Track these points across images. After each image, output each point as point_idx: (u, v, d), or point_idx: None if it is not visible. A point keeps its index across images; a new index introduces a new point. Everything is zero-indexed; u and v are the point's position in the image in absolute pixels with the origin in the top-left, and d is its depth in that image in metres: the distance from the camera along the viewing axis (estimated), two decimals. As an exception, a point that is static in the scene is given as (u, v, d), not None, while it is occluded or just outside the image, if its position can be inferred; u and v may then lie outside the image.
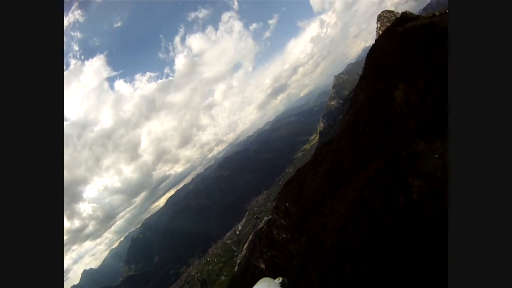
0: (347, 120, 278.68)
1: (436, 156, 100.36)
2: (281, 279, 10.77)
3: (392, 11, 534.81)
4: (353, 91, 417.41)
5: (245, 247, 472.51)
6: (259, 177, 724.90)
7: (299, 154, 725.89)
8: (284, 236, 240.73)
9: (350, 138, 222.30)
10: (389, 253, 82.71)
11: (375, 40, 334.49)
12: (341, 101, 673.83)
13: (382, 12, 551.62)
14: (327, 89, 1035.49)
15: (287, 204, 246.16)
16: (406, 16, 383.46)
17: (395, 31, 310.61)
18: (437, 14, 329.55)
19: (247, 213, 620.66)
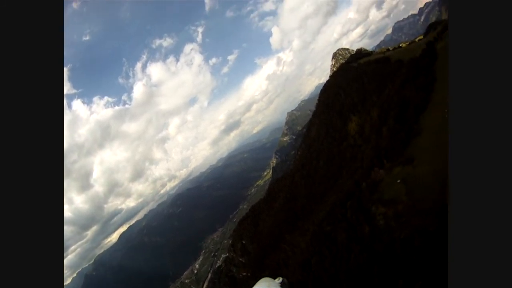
0: (300, 155, 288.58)
1: (399, 181, 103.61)
2: (281, 279, 10.31)
3: (347, 49, 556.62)
4: (305, 127, 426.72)
5: (205, 286, 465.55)
6: (213, 214, 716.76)
7: (252, 190, 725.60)
8: (244, 274, 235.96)
9: (303, 173, 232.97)
10: (361, 283, 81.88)
11: (329, 76, 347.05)
12: (294, 137, 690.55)
13: (338, 50, 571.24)
14: (279, 125, 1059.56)
15: (244, 242, 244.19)
16: (360, 53, 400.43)
17: (349, 67, 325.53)
18: (390, 49, 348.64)
19: (203, 251, 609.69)
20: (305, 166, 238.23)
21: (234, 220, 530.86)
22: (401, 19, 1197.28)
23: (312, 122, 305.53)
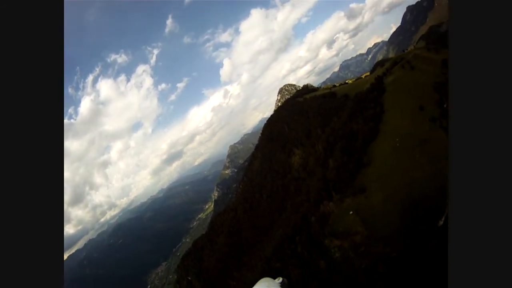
0: (242, 188, 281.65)
1: (351, 213, 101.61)
2: (281, 279, 10.21)
3: (294, 85, 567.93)
4: (247, 160, 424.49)
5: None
6: (156, 247, 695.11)
7: (194, 224, 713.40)
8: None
9: (246, 206, 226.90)
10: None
11: (274, 111, 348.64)
12: (235, 170, 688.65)
13: (284, 85, 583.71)
14: (221, 158, 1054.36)
15: (190, 278, 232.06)
16: (307, 88, 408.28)
17: (295, 102, 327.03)
18: (337, 85, 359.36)
19: (149, 286, 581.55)
20: (247, 200, 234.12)
21: (178, 254, 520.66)
22: (349, 58, 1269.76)
23: (254, 155, 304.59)
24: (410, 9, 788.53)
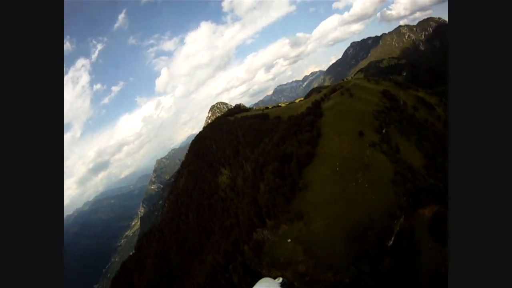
0: (168, 207, 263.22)
1: (289, 241, 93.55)
2: (281, 279, 10.61)
3: (226, 104, 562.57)
4: (174, 176, 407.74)
5: None
6: (85, 266, 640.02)
7: (122, 242, 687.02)
8: None
9: (173, 227, 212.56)
10: None
11: (203, 128, 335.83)
12: (161, 186, 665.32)
13: (217, 103, 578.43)
14: (148, 172, 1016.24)
15: None
16: (239, 108, 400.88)
17: (225, 120, 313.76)
18: (269, 107, 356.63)
19: None
20: (174, 220, 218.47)
21: (108, 275, 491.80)
22: (284, 83, 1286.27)
23: (180, 172, 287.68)
24: (353, 44, 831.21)
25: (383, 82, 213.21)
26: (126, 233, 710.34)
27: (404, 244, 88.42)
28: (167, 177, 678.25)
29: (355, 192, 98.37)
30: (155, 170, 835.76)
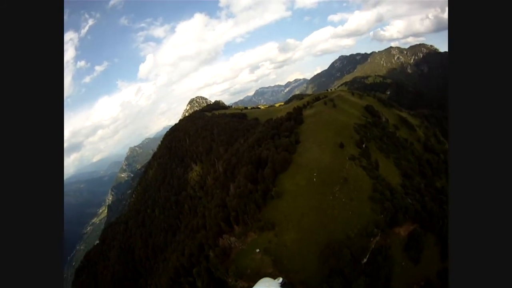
0: (135, 199, 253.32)
1: (258, 251, 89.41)
2: (281, 279, 12.13)
3: (206, 99, 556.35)
4: (144, 167, 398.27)
5: None
6: None
7: (88, 229, 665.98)
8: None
9: (138, 220, 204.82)
10: None
11: (179, 120, 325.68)
12: (132, 175, 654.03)
13: (196, 97, 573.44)
14: (120, 159, 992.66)
15: None
16: (218, 104, 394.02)
17: (202, 115, 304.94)
18: (249, 108, 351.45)
19: None
20: (139, 213, 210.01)
21: (73, 264, 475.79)
22: (266, 86, 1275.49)
23: (151, 164, 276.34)
24: (341, 58, 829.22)
25: (367, 98, 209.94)
26: (93, 220, 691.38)
27: (379, 262, 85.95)
28: (138, 167, 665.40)
29: (331, 206, 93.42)
30: (127, 158, 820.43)
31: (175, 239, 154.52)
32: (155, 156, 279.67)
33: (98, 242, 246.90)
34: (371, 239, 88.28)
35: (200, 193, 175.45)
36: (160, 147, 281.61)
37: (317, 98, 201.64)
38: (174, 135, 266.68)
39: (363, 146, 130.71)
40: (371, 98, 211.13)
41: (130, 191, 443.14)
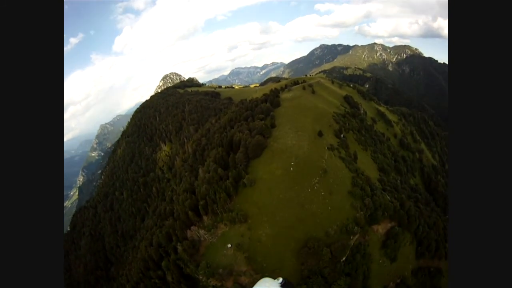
0: (103, 180, 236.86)
1: (230, 246, 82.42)
2: (281, 279, 10.14)
3: (180, 75, 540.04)
4: (114, 145, 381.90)
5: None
6: None
7: None
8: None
9: (106, 204, 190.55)
10: None
11: (151, 96, 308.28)
12: (102, 154, 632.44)
13: (170, 73, 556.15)
14: (90, 137, 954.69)
15: None
16: (191, 81, 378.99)
17: (174, 91, 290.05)
18: (223, 87, 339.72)
19: None
20: (108, 196, 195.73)
21: None
22: (243, 66, 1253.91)
23: (119, 143, 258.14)
24: (322, 46, 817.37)
25: (347, 88, 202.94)
26: (65, 204, 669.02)
27: (357, 260, 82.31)
28: (109, 145, 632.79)
29: (310, 200, 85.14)
30: (97, 136, 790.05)
31: (144, 225, 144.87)
32: (124, 134, 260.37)
33: (68, 229, 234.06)
34: (351, 237, 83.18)
35: (169, 175, 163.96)
36: (129, 124, 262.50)
37: (295, 82, 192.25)
38: (144, 112, 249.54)
39: (342, 136, 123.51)
40: (350, 89, 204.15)
41: (100, 171, 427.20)
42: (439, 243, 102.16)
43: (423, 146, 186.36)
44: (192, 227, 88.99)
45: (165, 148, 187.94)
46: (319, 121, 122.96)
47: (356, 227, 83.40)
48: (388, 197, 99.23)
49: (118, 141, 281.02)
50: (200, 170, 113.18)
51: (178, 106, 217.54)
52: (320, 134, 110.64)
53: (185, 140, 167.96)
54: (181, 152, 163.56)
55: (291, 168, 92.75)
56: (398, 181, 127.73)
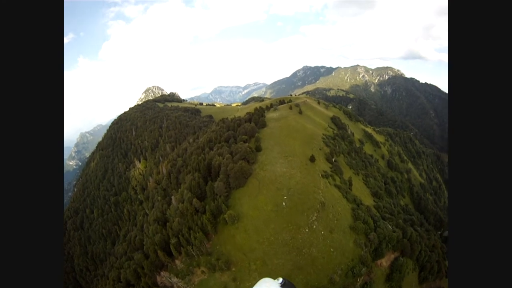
0: (75, 195, 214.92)
1: None
2: (281, 279, 9.03)
3: (162, 89, 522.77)
4: (90, 157, 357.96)
5: None
6: None
7: None
8: None
9: (76, 222, 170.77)
10: None
11: (129, 108, 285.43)
12: (80, 163, 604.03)
13: (153, 86, 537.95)
14: (70, 144, 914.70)
15: None
16: (172, 96, 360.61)
17: (153, 105, 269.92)
18: (204, 104, 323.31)
19: None
20: (78, 213, 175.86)
21: None
22: (225, 85, 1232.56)
23: (94, 155, 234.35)
24: (305, 68, 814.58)
25: (333, 109, 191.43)
26: None
27: None
28: (87, 155, 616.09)
29: (309, 242, 69.13)
30: (76, 145, 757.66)
31: (114, 250, 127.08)
32: (99, 146, 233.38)
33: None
34: (358, 280, 71.38)
35: (142, 196, 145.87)
36: (105, 136, 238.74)
37: (281, 102, 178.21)
38: (120, 124, 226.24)
39: (334, 160, 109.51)
40: (336, 110, 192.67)
41: (75, 181, 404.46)
42: (440, 263, 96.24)
43: (410, 165, 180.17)
44: (163, 273, 72.47)
45: (140, 166, 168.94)
46: (309, 144, 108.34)
47: (363, 268, 71.69)
48: (390, 227, 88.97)
49: (93, 153, 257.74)
50: (173, 198, 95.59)
51: (155, 121, 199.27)
52: (312, 159, 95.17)
53: (160, 159, 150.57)
54: (155, 172, 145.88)
55: (284, 203, 75.50)
56: (392, 205, 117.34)
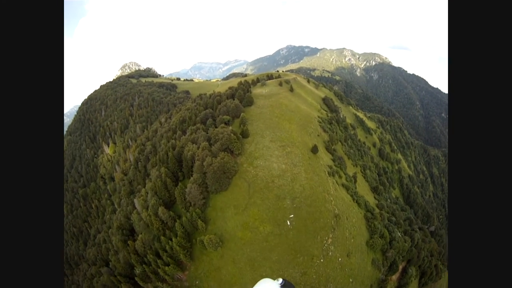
0: None
1: None
2: (281, 279, 9.05)
3: (139, 65, 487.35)
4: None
5: None
6: None
7: None
8: None
9: None
10: None
11: (100, 86, 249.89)
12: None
13: (130, 62, 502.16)
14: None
15: None
16: (148, 71, 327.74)
17: (126, 81, 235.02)
18: (181, 79, 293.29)
19: None
20: None
21: None
22: (205, 61, 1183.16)
23: (66, 138, 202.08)
24: (289, 47, 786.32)
25: (323, 89, 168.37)
26: None
27: None
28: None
29: (325, 276, 47.71)
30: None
31: (86, 253, 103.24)
32: (68, 131, 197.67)
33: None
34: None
35: (110, 186, 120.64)
36: (74, 119, 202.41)
37: (269, 77, 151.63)
38: (90, 104, 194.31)
39: (333, 149, 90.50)
40: (327, 90, 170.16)
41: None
42: (437, 267, 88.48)
43: (399, 156, 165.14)
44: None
45: (108, 151, 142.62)
46: (306, 129, 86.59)
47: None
48: (399, 234, 79.74)
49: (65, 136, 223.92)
50: (135, 202, 70.62)
51: (127, 99, 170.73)
52: (314, 150, 73.39)
53: (130, 143, 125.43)
54: (122, 160, 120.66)
55: (289, 222, 51.29)
56: (389, 200, 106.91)
